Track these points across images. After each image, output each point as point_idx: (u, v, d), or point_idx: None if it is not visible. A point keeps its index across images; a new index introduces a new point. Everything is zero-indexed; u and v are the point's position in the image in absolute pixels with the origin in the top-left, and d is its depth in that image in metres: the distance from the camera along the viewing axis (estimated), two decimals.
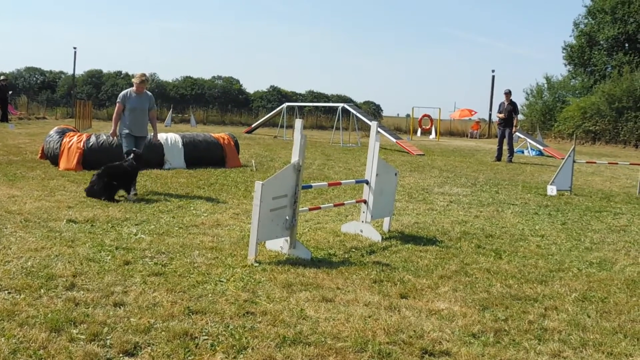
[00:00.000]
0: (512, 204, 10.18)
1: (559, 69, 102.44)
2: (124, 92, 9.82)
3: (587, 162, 16.12)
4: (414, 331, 4.19)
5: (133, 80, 9.88)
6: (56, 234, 6.48)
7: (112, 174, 8.97)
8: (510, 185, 12.95)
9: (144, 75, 9.79)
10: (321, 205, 7.95)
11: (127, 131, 9.65)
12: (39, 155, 13.51)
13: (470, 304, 4.83)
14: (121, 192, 8.98)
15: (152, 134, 10.11)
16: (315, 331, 4.11)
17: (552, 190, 11.54)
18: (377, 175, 7.19)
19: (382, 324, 4.28)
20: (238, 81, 62.51)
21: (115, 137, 10.19)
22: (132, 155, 9.28)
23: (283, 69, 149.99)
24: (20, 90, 53.14)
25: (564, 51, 42.93)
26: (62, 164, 12.00)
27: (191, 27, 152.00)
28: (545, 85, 42.78)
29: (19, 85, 57.08)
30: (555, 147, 26.76)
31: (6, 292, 4.55)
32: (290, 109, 31.89)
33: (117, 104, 9.72)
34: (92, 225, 7.01)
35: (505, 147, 19.68)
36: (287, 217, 5.97)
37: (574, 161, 11.96)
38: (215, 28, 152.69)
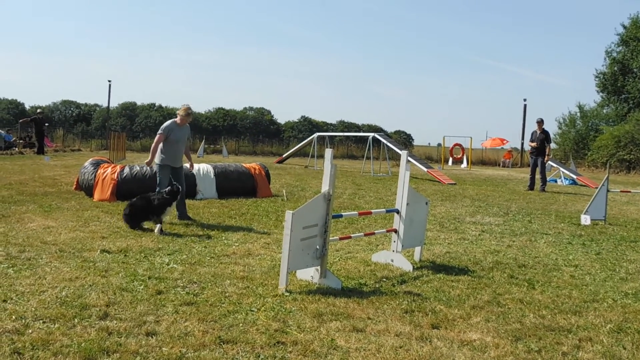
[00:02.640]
0: (545, 234, 10.05)
1: (592, 97, 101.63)
2: (167, 123, 9.88)
3: (621, 192, 15.88)
4: None
5: (178, 112, 9.99)
6: (90, 264, 6.57)
7: (140, 205, 9.03)
8: (543, 214, 12.80)
9: (189, 108, 9.94)
10: (352, 235, 7.93)
11: (167, 163, 9.80)
12: (74, 186, 13.76)
13: (502, 335, 4.77)
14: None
15: (189, 163, 10.38)
16: None
17: (585, 219, 11.38)
18: (407, 204, 7.18)
19: (413, 354, 4.25)
20: (269, 112, 63.34)
21: (150, 166, 10.20)
22: (168, 189, 9.19)
23: (314, 99, 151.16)
24: (56, 123, 54.41)
25: (597, 79, 42.68)
26: (97, 194, 12.18)
27: (223, 59, 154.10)
28: (578, 114, 42.46)
29: (55, 118, 58.46)
30: (588, 176, 26.43)
31: (41, 321, 4.61)
32: (321, 139, 32.08)
33: (159, 135, 9.78)
34: (125, 255, 7.09)
35: (537, 176, 19.51)
36: (317, 247, 5.98)
37: (607, 190, 11.78)
38: (247, 59, 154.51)
